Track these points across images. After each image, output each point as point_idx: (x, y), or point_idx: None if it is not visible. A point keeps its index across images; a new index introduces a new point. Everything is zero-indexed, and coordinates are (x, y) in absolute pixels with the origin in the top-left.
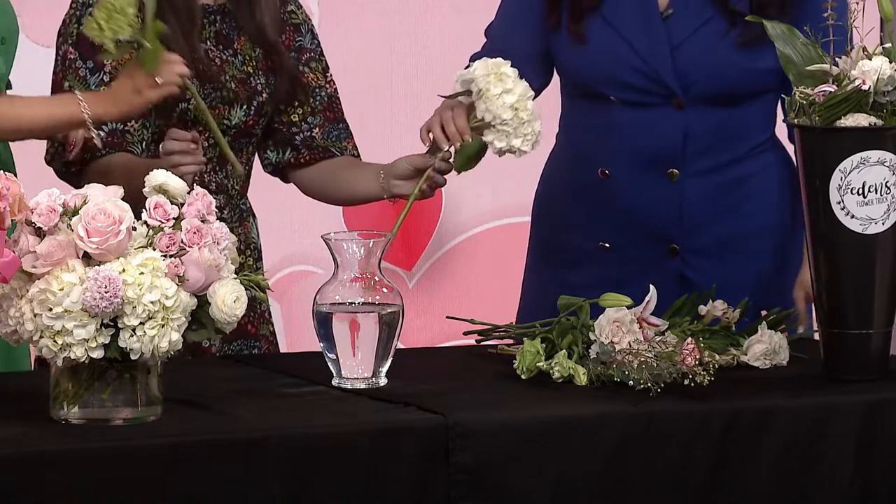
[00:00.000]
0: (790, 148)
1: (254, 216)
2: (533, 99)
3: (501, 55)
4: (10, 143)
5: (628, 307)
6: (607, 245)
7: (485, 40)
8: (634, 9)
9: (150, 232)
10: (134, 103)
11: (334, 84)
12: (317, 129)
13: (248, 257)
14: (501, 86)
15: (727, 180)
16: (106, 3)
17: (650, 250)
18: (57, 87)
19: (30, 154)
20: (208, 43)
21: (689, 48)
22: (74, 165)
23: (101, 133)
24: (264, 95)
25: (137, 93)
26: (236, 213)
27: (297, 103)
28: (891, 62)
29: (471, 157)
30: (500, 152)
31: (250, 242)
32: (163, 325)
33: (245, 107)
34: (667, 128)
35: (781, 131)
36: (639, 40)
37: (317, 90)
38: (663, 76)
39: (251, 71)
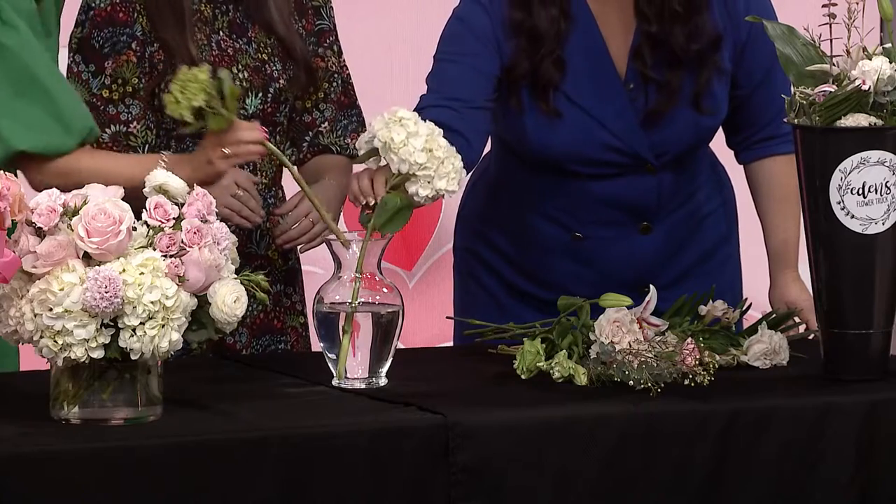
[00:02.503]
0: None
1: None
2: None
3: (452, 100)
4: None
5: (628, 307)
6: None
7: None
8: (595, 85)
9: (151, 232)
10: (208, 172)
11: (347, 68)
12: (326, 124)
13: (275, 251)
14: (404, 131)
15: (689, 212)
16: (180, 75)
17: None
18: None
19: None
20: (221, 33)
21: (654, 119)
22: None
23: (105, 135)
24: (281, 82)
25: (210, 163)
26: (265, 205)
27: (310, 90)
28: (891, 62)
29: (393, 215)
30: (428, 200)
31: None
32: (163, 325)
33: (261, 94)
34: (640, 191)
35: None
36: (608, 118)
37: (334, 75)
38: (637, 149)
39: (266, 58)
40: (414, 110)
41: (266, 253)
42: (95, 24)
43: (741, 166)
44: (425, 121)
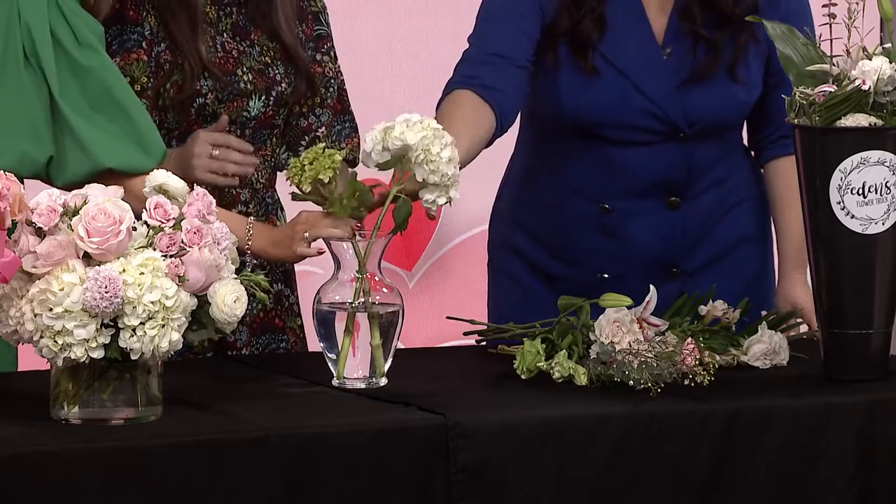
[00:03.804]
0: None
1: (282, 209)
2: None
3: (489, 63)
4: None
5: (628, 307)
6: (607, 276)
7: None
8: (634, 47)
9: (151, 232)
10: (286, 254)
11: (342, 74)
12: (323, 129)
13: None
14: (440, 143)
15: (720, 196)
16: (315, 147)
17: (653, 277)
18: None
19: None
20: (225, 35)
21: (690, 86)
22: None
23: None
24: (283, 85)
25: (289, 246)
26: (262, 206)
27: (308, 94)
28: (891, 62)
29: (404, 220)
30: (437, 206)
31: None
32: (163, 325)
33: (263, 97)
34: (671, 161)
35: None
36: (645, 81)
37: (331, 81)
38: (671, 116)
39: (269, 61)
40: (456, 66)
41: None
42: (104, 21)
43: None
44: (463, 77)
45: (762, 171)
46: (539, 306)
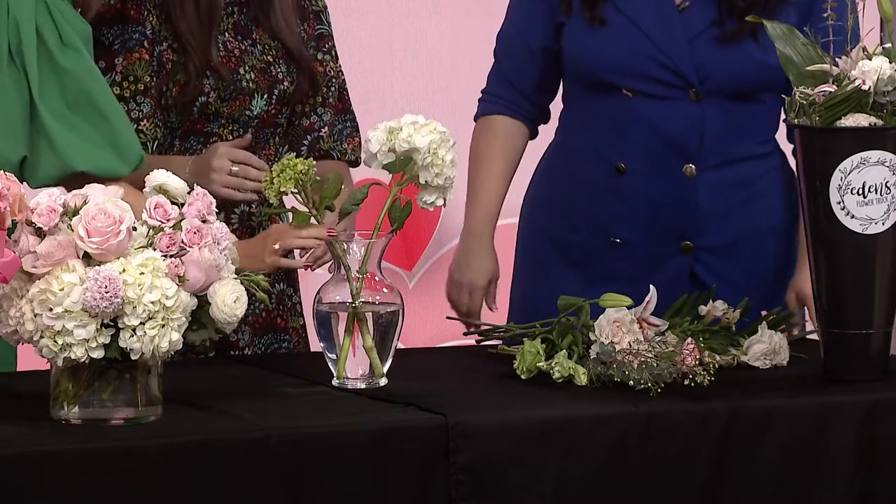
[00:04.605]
0: (788, 151)
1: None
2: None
3: (512, 55)
4: None
5: (628, 307)
6: (618, 240)
7: (495, 44)
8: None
9: (151, 232)
10: (259, 266)
11: (343, 73)
12: (325, 129)
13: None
14: (446, 146)
15: (738, 178)
16: (284, 159)
17: (663, 247)
18: None
19: None
20: (227, 34)
21: (705, 40)
22: None
23: None
24: (285, 84)
25: (261, 258)
26: (266, 206)
27: (310, 94)
28: (891, 62)
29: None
30: (433, 206)
31: None
32: (163, 325)
33: (266, 96)
34: (683, 120)
35: (780, 136)
36: (655, 30)
37: (332, 80)
38: (681, 67)
39: (271, 60)
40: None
41: None
42: (105, 20)
43: None
44: (490, 97)
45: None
46: (556, 284)
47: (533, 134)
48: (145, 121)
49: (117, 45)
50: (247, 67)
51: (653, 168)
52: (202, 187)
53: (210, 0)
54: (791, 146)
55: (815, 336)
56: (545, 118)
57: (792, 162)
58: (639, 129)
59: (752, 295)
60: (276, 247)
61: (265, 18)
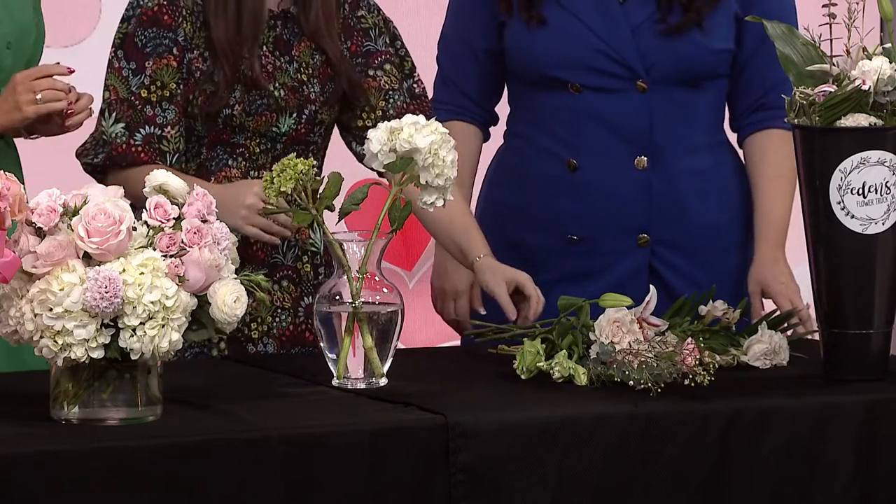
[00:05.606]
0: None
1: (318, 224)
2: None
3: (456, 59)
4: (16, 141)
5: (628, 307)
6: (576, 238)
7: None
8: None
9: (151, 232)
10: (13, 118)
11: (422, 83)
12: None
13: (306, 263)
14: (447, 147)
15: (691, 169)
16: (284, 159)
17: (620, 241)
18: (105, 86)
19: (32, 153)
20: (265, 48)
21: (647, 29)
22: (111, 170)
23: (138, 135)
24: (317, 104)
25: (17, 109)
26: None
27: (362, 109)
28: (891, 62)
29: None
30: (433, 206)
31: (307, 249)
32: (163, 325)
33: (295, 115)
34: (631, 112)
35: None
36: (598, 23)
37: (389, 92)
38: (626, 57)
39: (305, 79)
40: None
41: (294, 264)
42: (141, 22)
43: None
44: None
45: (742, 148)
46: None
47: (486, 137)
48: (169, 127)
49: (149, 49)
50: (277, 84)
51: (605, 162)
52: (226, 218)
53: (254, 12)
54: (735, 134)
55: (815, 336)
56: (494, 120)
57: (740, 152)
58: (588, 123)
59: (713, 287)
60: (38, 97)
61: (305, 21)
